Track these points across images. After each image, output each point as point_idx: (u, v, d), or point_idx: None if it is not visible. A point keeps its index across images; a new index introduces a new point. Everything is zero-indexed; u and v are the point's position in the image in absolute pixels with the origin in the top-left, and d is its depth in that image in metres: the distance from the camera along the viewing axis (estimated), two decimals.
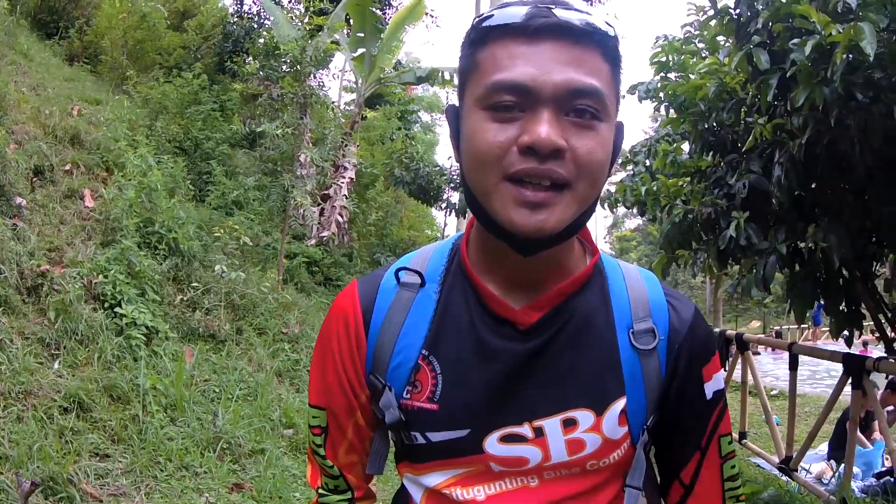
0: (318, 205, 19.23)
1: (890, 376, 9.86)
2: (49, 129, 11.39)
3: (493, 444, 1.55)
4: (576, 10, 1.42)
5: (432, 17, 33.29)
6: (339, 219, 19.41)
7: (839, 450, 9.14)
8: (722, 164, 7.57)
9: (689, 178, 8.21)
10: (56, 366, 7.66)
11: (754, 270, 6.89)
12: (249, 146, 18.96)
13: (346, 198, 19.63)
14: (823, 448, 10.92)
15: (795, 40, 5.46)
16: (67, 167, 10.98)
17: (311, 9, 17.80)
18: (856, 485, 8.91)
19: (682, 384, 1.62)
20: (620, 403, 1.56)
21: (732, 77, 6.90)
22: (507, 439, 1.55)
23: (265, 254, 14.97)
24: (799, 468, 9.11)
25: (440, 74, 21.67)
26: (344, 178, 19.90)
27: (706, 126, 7.51)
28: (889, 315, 7.50)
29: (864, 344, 22.12)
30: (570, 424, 1.54)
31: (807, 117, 5.69)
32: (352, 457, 1.74)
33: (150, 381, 8.16)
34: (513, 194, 1.40)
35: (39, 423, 6.79)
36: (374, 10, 19.26)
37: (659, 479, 1.75)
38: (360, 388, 1.66)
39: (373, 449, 1.74)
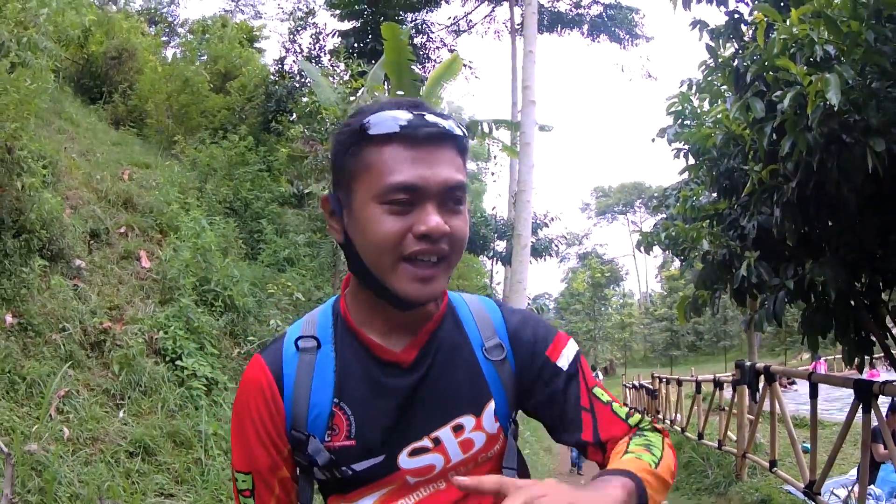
0: None
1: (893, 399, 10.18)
2: (102, 193, 11.91)
3: (405, 459, 1.92)
4: (439, 115, 1.82)
5: (471, 68, 33.06)
6: None
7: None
8: (736, 206, 7.95)
9: (707, 222, 8.58)
10: (121, 414, 8.11)
11: (766, 305, 7.29)
12: (298, 205, 19.16)
13: None
14: (854, 473, 11.21)
15: (778, 92, 5.92)
16: (122, 230, 11.49)
17: (352, 72, 18.15)
18: None
19: (537, 372, 2.03)
20: (491, 405, 1.99)
21: (738, 125, 7.30)
22: (414, 453, 1.92)
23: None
24: (822, 491, 9.41)
25: (479, 127, 21.48)
26: None
27: (720, 171, 7.91)
28: None
29: (871, 365, 21.92)
30: (458, 429, 1.95)
31: (797, 162, 6.10)
32: None
33: (212, 427, 8.58)
34: (409, 273, 1.79)
35: (107, 466, 7.23)
36: (412, 67, 19.17)
37: (576, 453, 2.16)
38: (281, 444, 1.95)
39: (300, 499, 2.03)
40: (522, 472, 2.11)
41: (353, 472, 1.92)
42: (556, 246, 30.43)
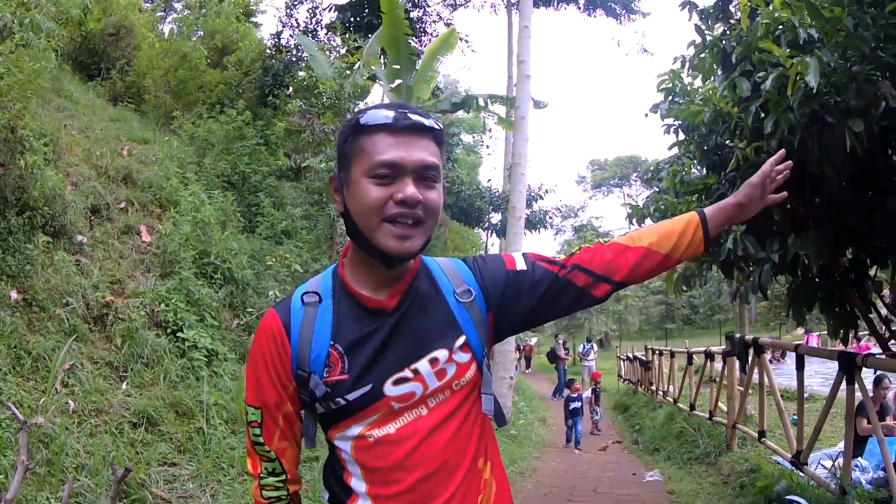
0: None
1: (878, 372, 10.36)
2: (101, 169, 12.02)
3: (389, 388, 2.31)
4: (420, 114, 2.32)
5: (466, 41, 32.66)
6: None
7: (856, 446, 9.56)
8: (724, 181, 8.10)
9: (696, 196, 8.71)
10: (124, 386, 8.29)
11: (752, 279, 7.47)
12: (295, 178, 19.15)
13: None
14: (843, 446, 11.38)
15: (762, 73, 6.10)
16: (122, 205, 11.63)
17: (349, 47, 18.22)
18: (865, 477, 9.36)
19: (510, 285, 2.54)
20: (461, 339, 2.41)
21: (726, 103, 7.45)
22: (397, 382, 2.32)
23: None
24: (809, 461, 9.59)
25: (475, 101, 21.59)
26: None
27: (709, 147, 8.04)
28: (881, 314, 8.03)
29: (858, 340, 21.89)
30: (433, 361, 2.36)
31: (780, 140, 6.25)
32: (283, 443, 2.45)
33: (213, 397, 8.82)
34: (389, 231, 2.25)
35: (112, 437, 7.44)
36: (408, 41, 19.05)
37: (579, 306, 2.64)
38: (287, 381, 2.38)
39: (304, 432, 2.48)
40: (496, 401, 2.55)
41: (347, 402, 2.32)
42: (551, 218, 30.34)
